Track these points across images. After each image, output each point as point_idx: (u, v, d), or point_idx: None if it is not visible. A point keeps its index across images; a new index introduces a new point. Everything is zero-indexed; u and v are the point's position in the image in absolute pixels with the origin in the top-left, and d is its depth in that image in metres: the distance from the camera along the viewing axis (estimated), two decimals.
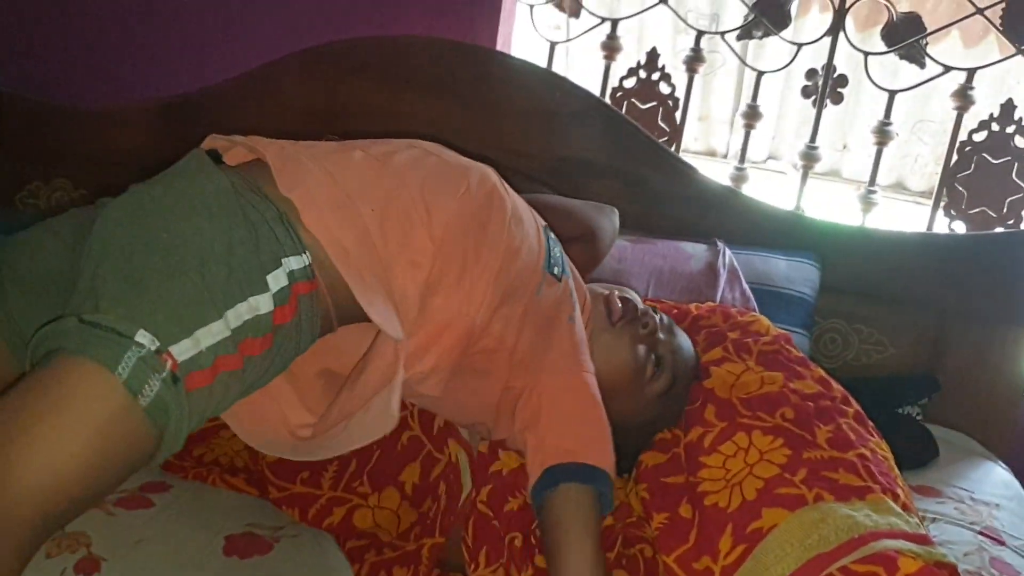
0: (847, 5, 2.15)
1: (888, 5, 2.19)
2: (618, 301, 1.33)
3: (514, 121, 2.02)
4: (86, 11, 2.15)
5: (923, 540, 1.06)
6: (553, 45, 2.37)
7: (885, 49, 2.20)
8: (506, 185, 1.29)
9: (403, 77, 2.02)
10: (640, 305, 1.36)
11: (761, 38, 2.34)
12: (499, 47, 2.19)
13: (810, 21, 3.26)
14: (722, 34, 2.30)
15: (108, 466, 0.83)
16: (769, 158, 4.03)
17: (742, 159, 2.36)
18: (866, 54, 2.18)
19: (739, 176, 2.32)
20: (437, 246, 1.08)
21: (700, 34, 2.29)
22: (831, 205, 3.12)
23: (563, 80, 2.05)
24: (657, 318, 1.33)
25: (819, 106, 2.25)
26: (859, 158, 3.62)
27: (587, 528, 1.08)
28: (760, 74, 2.31)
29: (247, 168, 1.08)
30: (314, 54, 2.04)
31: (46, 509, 0.78)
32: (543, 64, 2.36)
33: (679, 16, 2.33)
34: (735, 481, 1.12)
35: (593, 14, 2.31)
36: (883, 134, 2.22)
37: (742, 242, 1.96)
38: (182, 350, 0.86)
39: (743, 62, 2.40)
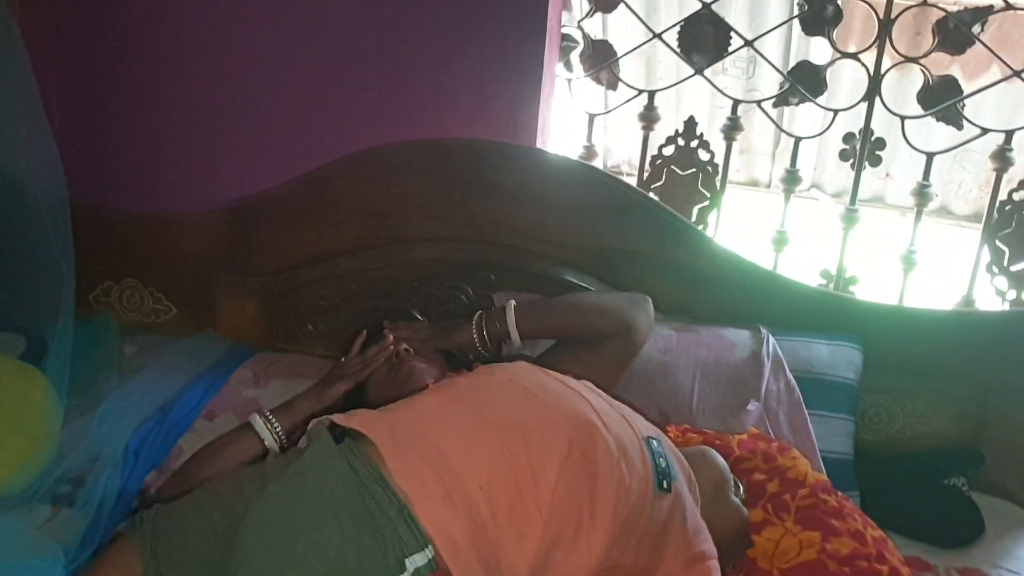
0: (883, 71, 2.18)
1: (924, 70, 2.20)
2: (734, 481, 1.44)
3: (556, 214, 2.09)
4: (151, 121, 2.26)
5: None
6: (592, 117, 2.43)
7: (922, 113, 2.22)
8: (604, 403, 1.32)
9: (449, 176, 2.10)
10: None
11: (798, 104, 2.37)
12: (540, 125, 2.25)
13: (845, 86, 3.20)
14: (759, 102, 2.34)
15: None
16: (812, 187, 4.04)
17: (782, 222, 2.39)
18: (903, 118, 2.20)
19: (780, 239, 2.36)
20: (546, 516, 1.12)
21: (736, 103, 2.33)
22: (875, 237, 3.14)
23: (599, 173, 2.11)
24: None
25: (857, 170, 2.29)
26: (902, 185, 3.61)
27: None
28: (798, 140, 2.34)
29: (367, 442, 1.15)
30: (365, 156, 2.13)
31: None
32: (583, 134, 2.42)
33: (716, 87, 2.37)
34: None
35: (630, 86, 2.36)
36: (923, 196, 2.25)
37: (784, 325, 2.01)
38: None
39: (780, 128, 2.43)
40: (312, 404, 1.77)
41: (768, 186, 3.99)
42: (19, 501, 1.75)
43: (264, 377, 2.04)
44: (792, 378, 1.89)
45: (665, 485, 1.23)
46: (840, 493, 1.52)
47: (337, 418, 1.18)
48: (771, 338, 1.95)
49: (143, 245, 2.27)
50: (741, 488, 1.45)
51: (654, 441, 1.28)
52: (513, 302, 1.84)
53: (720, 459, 1.47)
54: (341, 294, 2.21)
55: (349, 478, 1.08)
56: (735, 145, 2.41)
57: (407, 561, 1.05)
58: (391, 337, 1.86)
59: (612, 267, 2.08)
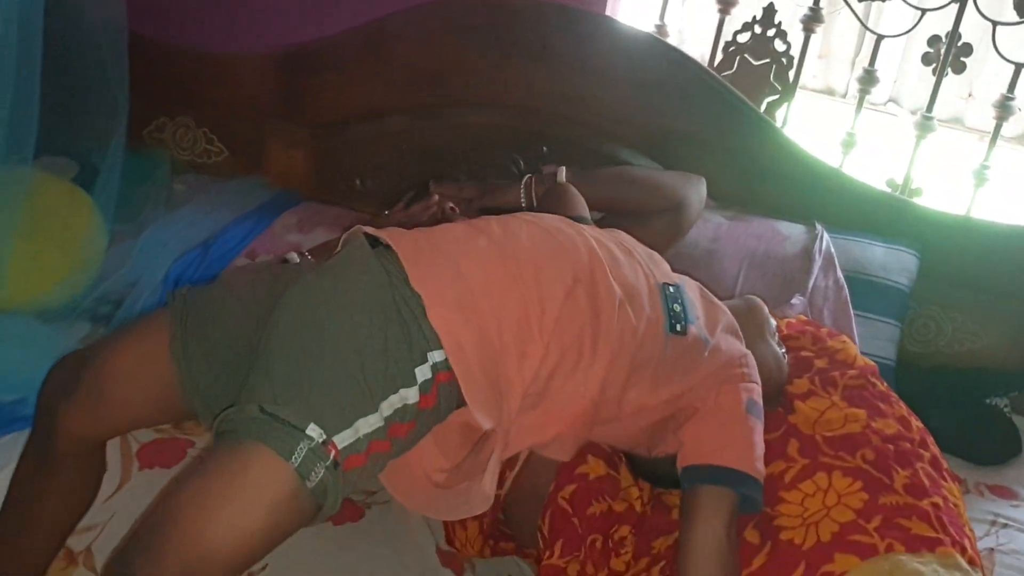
0: None
1: None
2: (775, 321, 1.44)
3: (618, 89, 2.02)
4: None
5: None
6: None
7: (1016, 20, 2.09)
8: (622, 251, 1.32)
9: (509, 41, 2.03)
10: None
11: (885, 0, 2.25)
12: (609, 7, 2.17)
13: None
14: None
15: (277, 532, 0.99)
16: (889, 101, 3.87)
17: (854, 123, 2.29)
18: (994, 23, 2.08)
19: (849, 140, 2.27)
20: (547, 341, 1.16)
21: None
22: (949, 158, 3.01)
23: (669, 49, 2.03)
24: None
25: (939, 75, 2.16)
26: (983, 107, 3.42)
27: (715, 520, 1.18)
28: (880, 38, 2.23)
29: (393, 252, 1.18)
30: (426, 11, 2.07)
31: (228, 564, 0.96)
32: (656, 15, 2.33)
33: None
34: (812, 520, 1.16)
35: None
36: (1005, 108, 2.13)
37: (842, 224, 1.94)
38: (343, 439, 1.00)
39: (864, 25, 2.31)
40: None
41: (844, 96, 3.84)
42: (60, 316, 1.79)
43: (308, 225, 2.03)
44: (842, 276, 1.84)
45: (679, 328, 1.25)
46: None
47: (368, 229, 1.19)
48: (825, 234, 1.89)
49: (200, 84, 2.26)
50: (782, 348, 1.43)
51: (670, 287, 1.30)
52: (564, 168, 1.79)
53: (765, 310, 1.48)
54: (390, 153, 2.18)
55: (380, 274, 1.12)
56: (813, 49, 2.29)
57: (428, 354, 1.08)
58: (436, 196, 1.83)
59: (670, 149, 2.01)
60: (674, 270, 1.44)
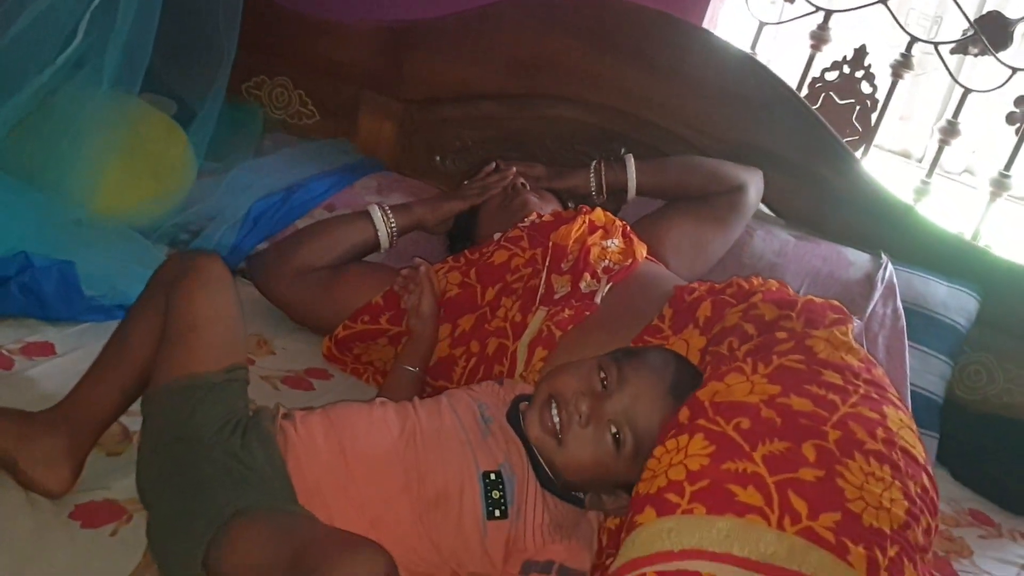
0: None
1: None
2: (548, 420, 1.23)
3: (705, 100, 2.07)
4: None
5: (769, 570, 0.97)
6: (762, 25, 2.38)
7: None
8: (436, 446, 1.23)
9: (607, 40, 2.10)
10: (563, 395, 1.23)
11: (977, 55, 2.28)
12: (707, 22, 2.23)
13: None
14: (936, 44, 2.26)
15: None
16: (964, 171, 3.87)
17: (930, 172, 2.32)
18: None
19: (923, 189, 2.29)
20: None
21: (913, 40, 2.25)
22: (1020, 231, 3.01)
23: (761, 67, 2.08)
24: (583, 404, 1.20)
25: (1021, 135, 2.19)
26: None
27: None
28: (967, 91, 2.26)
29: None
30: (531, 4, 2.15)
31: None
32: (749, 43, 2.38)
33: (896, 19, 2.29)
34: (656, 474, 1.10)
35: (809, 1, 2.31)
36: None
37: (907, 260, 1.96)
38: None
39: (953, 78, 2.34)
40: (427, 213, 1.83)
41: (920, 160, 3.85)
42: (141, 235, 1.87)
43: (387, 190, 2.10)
44: (901, 307, 1.85)
45: (498, 514, 1.18)
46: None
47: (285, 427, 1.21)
48: (890, 265, 1.91)
49: (302, 46, 2.35)
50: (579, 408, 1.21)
51: (492, 474, 1.20)
52: (631, 156, 1.90)
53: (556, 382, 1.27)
54: (475, 136, 2.25)
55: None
56: (895, 109, 2.33)
57: None
58: (513, 169, 1.90)
59: (748, 164, 2.03)
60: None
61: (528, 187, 1.89)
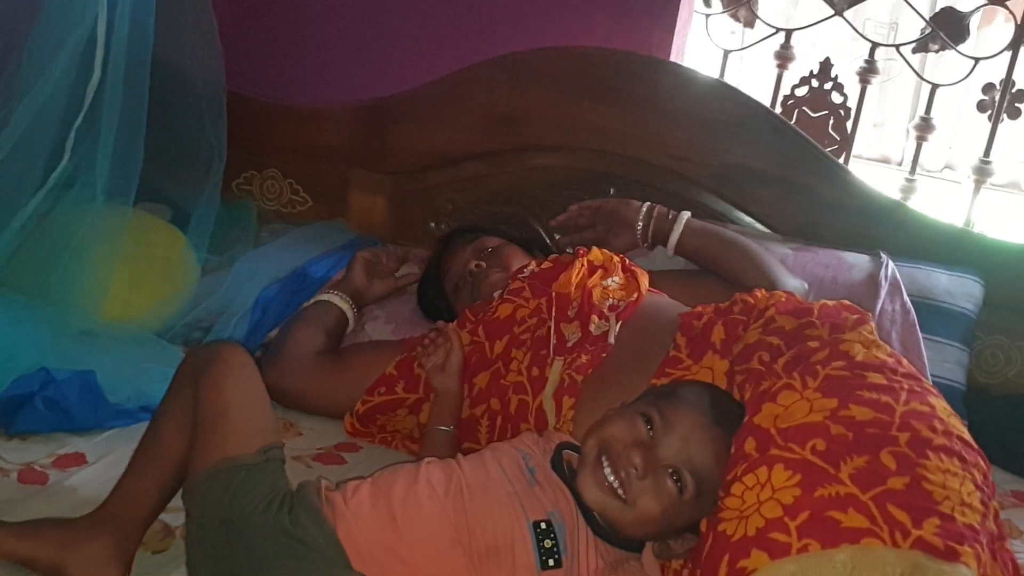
0: None
1: None
2: (603, 480, 1.21)
3: (682, 129, 2.12)
4: (303, 19, 2.41)
5: None
6: (726, 53, 2.45)
7: None
8: (483, 501, 1.23)
9: (580, 86, 2.15)
10: (614, 450, 1.22)
11: (938, 51, 2.34)
12: (673, 56, 2.29)
13: (995, 30, 3.15)
14: (897, 47, 2.32)
15: None
16: (945, 168, 3.93)
17: (913, 170, 2.37)
18: None
19: (909, 187, 2.34)
20: None
21: (875, 46, 2.31)
22: (1008, 219, 3.05)
23: (732, 90, 2.13)
24: (636, 456, 1.19)
25: (995, 121, 2.24)
26: None
27: None
28: (935, 87, 2.31)
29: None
30: (500, 63, 2.21)
31: None
32: (716, 72, 2.45)
33: (855, 29, 2.36)
34: (746, 514, 1.09)
35: (768, 24, 2.38)
36: None
37: (906, 256, 1.98)
38: None
39: (919, 75, 2.40)
40: (356, 284, 1.92)
41: (900, 163, 3.91)
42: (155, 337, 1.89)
43: None
44: (908, 301, 1.87)
45: (552, 563, 1.18)
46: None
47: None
48: (890, 263, 1.93)
49: (286, 137, 2.41)
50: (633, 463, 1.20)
51: (543, 523, 1.20)
52: (688, 213, 1.84)
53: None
54: (465, 197, 2.29)
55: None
56: (868, 117, 2.39)
57: None
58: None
59: (734, 185, 2.10)
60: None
61: (485, 264, 1.86)
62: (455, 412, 1.58)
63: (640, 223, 1.86)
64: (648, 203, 1.87)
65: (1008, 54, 2.18)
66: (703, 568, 1.11)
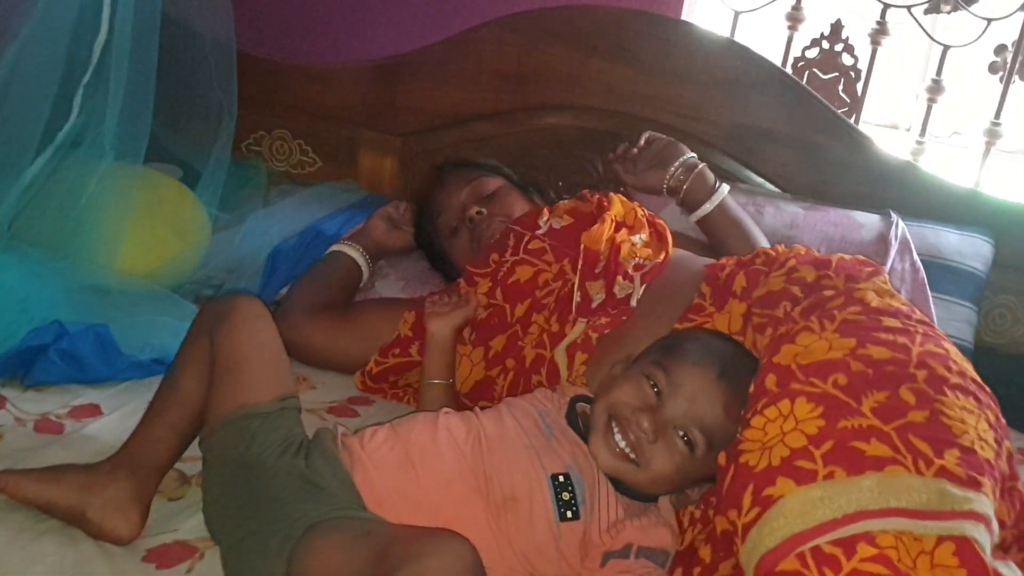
0: None
1: None
2: (615, 446, 1.23)
3: (693, 88, 2.12)
4: None
5: (932, 516, 0.98)
6: (737, 14, 2.43)
7: None
8: (504, 450, 1.24)
9: (590, 44, 2.15)
10: (623, 415, 1.23)
11: (950, 12, 2.32)
12: (684, 16, 2.27)
13: None
14: (909, 8, 2.30)
15: None
16: (954, 133, 3.92)
17: (923, 132, 2.36)
18: None
19: (918, 150, 2.33)
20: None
21: (886, 7, 2.30)
22: (1017, 183, 3.04)
23: (744, 49, 2.12)
24: (644, 420, 1.21)
25: (1006, 83, 2.23)
26: None
27: None
28: (946, 48, 2.30)
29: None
30: (510, 21, 2.20)
31: None
32: (727, 33, 2.43)
33: None
34: (769, 445, 1.10)
35: None
36: None
37: (915, 215, 1.99)
38: None
39: (929, 36, 2.38)
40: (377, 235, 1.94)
41: (908, 129, 3.90)
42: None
43: None
44: (918, 260, 1.87)
45: (570, 515, 1.19)
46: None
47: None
48: (900, 221, 1.93)
49: (296, 97, 2.41)
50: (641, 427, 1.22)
51: (560, 476, 1.21)
52: (727, 188, 1.81)
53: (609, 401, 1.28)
54: (474, 156, 2.28)
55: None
56: (878, 83, 2.38)
57: None
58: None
59: (745, 144, 2.10)
60: None
61: (484, 212, 1.83)
62: (448, 363, 1.57)
63: (673, 169, 1.79)
64: (693, 157, 1.80)
65: (1022, 15, 2.17)
66: (724, 500, 1.13)
